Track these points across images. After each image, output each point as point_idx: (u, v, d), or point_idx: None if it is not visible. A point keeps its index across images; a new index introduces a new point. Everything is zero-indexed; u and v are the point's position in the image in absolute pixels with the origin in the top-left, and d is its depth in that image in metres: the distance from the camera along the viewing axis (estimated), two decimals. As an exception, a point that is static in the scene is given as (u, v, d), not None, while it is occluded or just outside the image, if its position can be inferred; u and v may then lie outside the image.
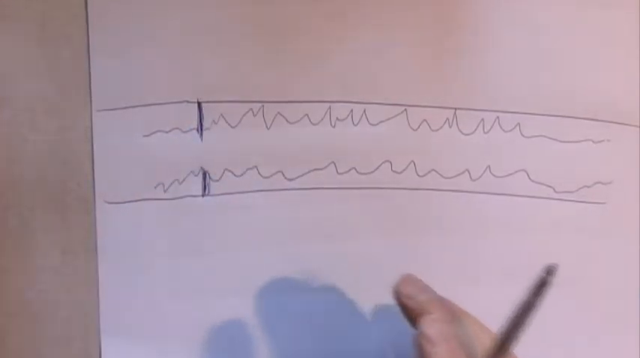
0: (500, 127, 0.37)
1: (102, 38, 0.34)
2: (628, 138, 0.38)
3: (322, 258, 0.36)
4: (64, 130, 0.35)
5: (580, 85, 0.37)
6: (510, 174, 0.37)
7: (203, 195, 0.35)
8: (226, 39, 0.35)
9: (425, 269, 0.37)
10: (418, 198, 0.36)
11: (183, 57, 0.35)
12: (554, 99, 0.37)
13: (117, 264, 0.35)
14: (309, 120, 0.36)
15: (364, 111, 0.36)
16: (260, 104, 0.35)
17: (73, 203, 0.35)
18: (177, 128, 0.35)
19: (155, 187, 0.35)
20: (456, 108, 0.36)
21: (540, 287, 0.26)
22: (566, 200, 0.37)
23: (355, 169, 0.36)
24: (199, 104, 0.35)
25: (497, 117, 0.37)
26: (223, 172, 0.35)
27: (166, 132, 0.35)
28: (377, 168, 0.36)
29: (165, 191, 0.35)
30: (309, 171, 0.36)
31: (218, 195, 0.35)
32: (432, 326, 0.27)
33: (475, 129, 0.37)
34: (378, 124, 0.36)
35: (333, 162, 0.36)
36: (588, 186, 0.37)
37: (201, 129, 0.35)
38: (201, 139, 0.35)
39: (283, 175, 0.36)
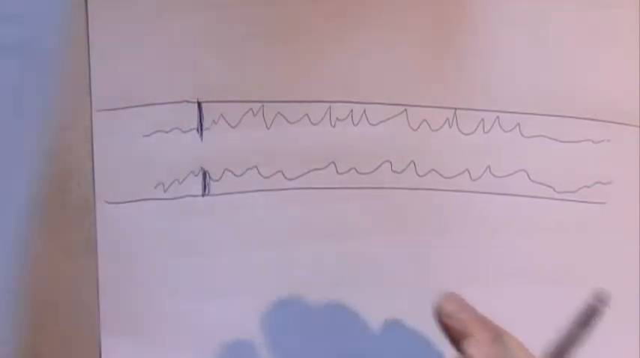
0: (501, 127, 0.37)
1: (102, 38, 0.34)
2: (628, 138, 0.38)
3: (322, 258, 0.36)
4: (64, 130, 0.35)
5: (580, 85, 0.37)
6: (510, 174, 0.37)
7: (203, 195, 0.35)
8: (226, 39, 0.35)
9: (424, 270, 0.37)
10: (418, 198, 0.36)
11: (183, 57, 0.35)
12: (554, 99, 0.37)
13: (117, 264, 0.35)
14: (309, 120, 0.36)
15: (364, 111, 0.36)
16: (260, 104, 0.35)
17: (73, 203, 0.35)
18: (177, 128, 0.35)
19: (155, 187, 0.35)
20: (456, 108, 0.36)
21: (590, 317, 0.25)
22: (566, 200, 0.37)
23: (355, 169, 0.36)
24: (199, 104, 0.35)
25: (497, 117, 0.37)
26: (223, 172, 0.35)
27: (166, 132, 0.35)
28: (377, 168, 0.36)
29: (165, 191, 0.35)
30: (309, 171, 0.36)
31: (218, 195, 0.35)
32: (477, 348, 0.27)
33: (475, 129, 0.37)
34: (378, 124, 0.36)
35: (333, 162, 0.36)
36: (588, 186, 0.37)
37: (201, 129, 0.35)
38: (201, 139, 0.35)
39: (283, 175, 0.36)
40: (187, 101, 0.35)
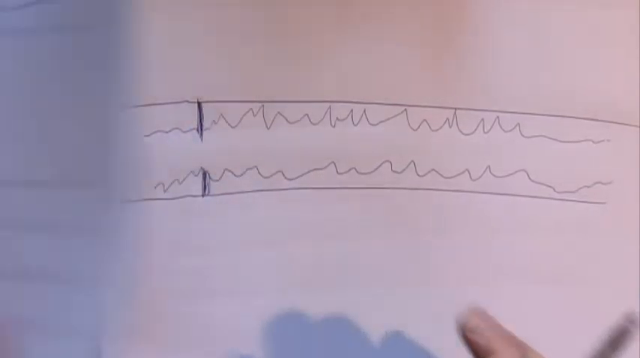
0: (501, 127, 0.37)
1: None
2: (628, 138, 0.38)
3: (322, 258, 0.36)
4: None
5: (580, 85, 0.37)
6: (510, 174, 0.37)
7: (203, 195, 0.35)
8: (226, 39, 0.35)
9: (424, 269, 0.37)
10: (418, 198, 0.36)
11: (182, 57, 0.35)
12: (554, 99, 0.37)
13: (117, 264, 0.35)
14: (309, 120, 0.36)
15: (364, 111, 0.36)
16: (260, 104, 0.35)
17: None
18: (177, 128, 0.35)
19: (155, 187, 0.35)
20: (456, 108, 0.36)
21: (620, 338, 0.24)
22: (566, 200, 0.37)
23: (355, 169, 0.36)
24: (199, 104, 0.35)
25: (497, 117, 0.37)
26: (223, 172, 0.35)
27: (166, 132, 0.35)
28: (377, 168, 0.36)
29: (165, 191, 0.35)
30: (309, 171, 0.36)
31: (218, 195, 0.35)
32: None
33: (475, 129, 0.37)
34: (378, 124, 0.36)
35: (333, 162, 0.36)
36: (588, 186, 0.37)
37: (201, 129, 0.35)
38: (201, 139, 0.35)
39: (283, 175, 0.36)
40: (187, 101, 0.35)
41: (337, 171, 0.36)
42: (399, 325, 0.36)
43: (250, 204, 0.35)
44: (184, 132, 0.35)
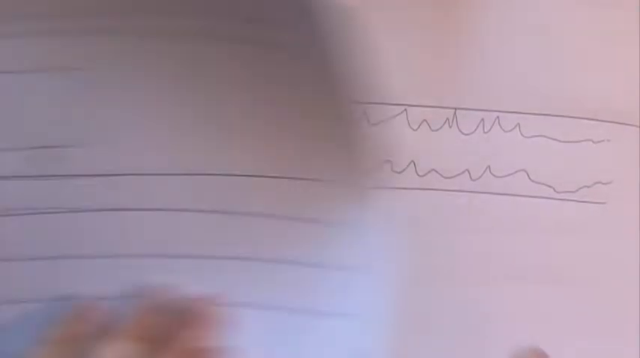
0: (500, 127, 0.37)
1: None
2: (628, 138, 0.38)
3: None
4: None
5: (580, 85, 0.37)
6: (510, 174, 0.37)
7: None
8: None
9: (424, 269, 0.37)
10: (418, 198, 0.36)
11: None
12: (554, 99, 0.37)
13: None
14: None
15: (364, 111, 0.36)
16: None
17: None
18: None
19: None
20: (456, 108, 0.36)
21: None
22: (566, 200, 0.37)
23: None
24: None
25: (497, 117, 0.37)
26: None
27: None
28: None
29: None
30: None
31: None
32: None
33: (475, 129, 0.37)
34: (378, 124, 0.36)
35: None
36: (588, 186, 0.37)
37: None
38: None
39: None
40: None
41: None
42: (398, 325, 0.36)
43: None
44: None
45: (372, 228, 0.34)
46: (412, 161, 0.36)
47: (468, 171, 0.37)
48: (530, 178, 0.37)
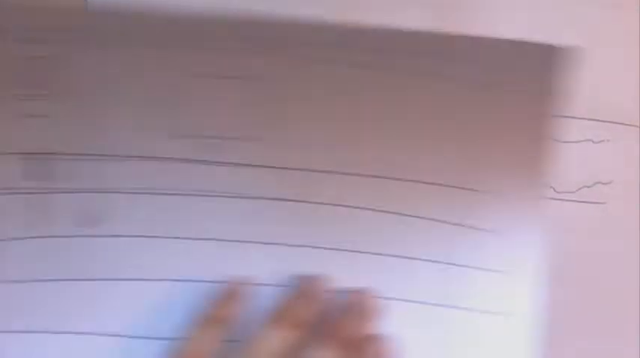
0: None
1: None
2: (628, 138, 0.38)
3: None
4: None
5: (580, 85, 0.37)
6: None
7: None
8: None
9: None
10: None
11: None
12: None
13: None
14: None
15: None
16: None
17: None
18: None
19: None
20: None
21: None
22: (566, 200, 0.37)
23: None
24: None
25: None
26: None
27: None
28: None
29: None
30: None
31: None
32: None
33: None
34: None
35: None
36: (588, 186, 0.37)
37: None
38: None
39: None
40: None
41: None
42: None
43: None
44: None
45: (529, 234, 0.35)
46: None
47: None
48: (530, 178, 0.37)
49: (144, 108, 0.32)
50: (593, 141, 0.37)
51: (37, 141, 0.32)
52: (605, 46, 0.37)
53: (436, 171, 0.34)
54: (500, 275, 0.35)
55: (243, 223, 0.33)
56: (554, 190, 0.37)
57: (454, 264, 0.35)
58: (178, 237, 0.33)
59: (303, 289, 0.33)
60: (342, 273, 0.33)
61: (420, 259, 0.34)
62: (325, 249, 0.34)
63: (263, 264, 0.33)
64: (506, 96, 0.34)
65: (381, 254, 0.34)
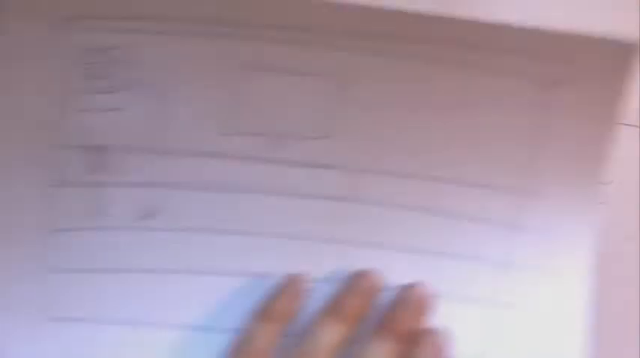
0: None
1: None
2: (628, 138, 0.38)
3: None
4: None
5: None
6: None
7: None
8: None
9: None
10: None
11: None
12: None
13: None
14: None
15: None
16: None
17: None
18: None
19: None
20: None
21: None
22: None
23: None
24: None
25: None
26: None
27: None
28: None
29: None
30: None
31: None
32: None
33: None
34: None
35: None
36: (589, 186, 0.37)
37: None
38: None
39: None
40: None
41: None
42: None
43: None
44: None
45: (579, 234, 0.36)
46: None
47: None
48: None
49: (206, 104, 0.32)
50: (593, 141, 0.37)
51: (99, 134, 0.32)
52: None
53: (491, 172, 0.34)
54: (550, 274, 0.35)
55: (302, 222, 0.34)
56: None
57: (505, 263, 0.35)
58: (238, 233, 0.33)
59: (358, 284, 0.33)
60: (397, 272, 0.34)
61: (472, 258, 0.35)
62: (384, 249, 0.34)
63: (322, 261, 0.34)
64: (572, 94, 0.34)
65: (434, 253, 0.34)
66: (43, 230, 0.32)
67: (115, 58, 0.31)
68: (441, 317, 0.33)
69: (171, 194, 0.33)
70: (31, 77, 0.31)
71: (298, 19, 0.31)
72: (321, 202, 0.33)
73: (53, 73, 0.31)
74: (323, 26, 0.32)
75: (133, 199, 0.32)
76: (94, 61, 0.31)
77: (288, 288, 0.33)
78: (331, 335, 0.31)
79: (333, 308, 0.32)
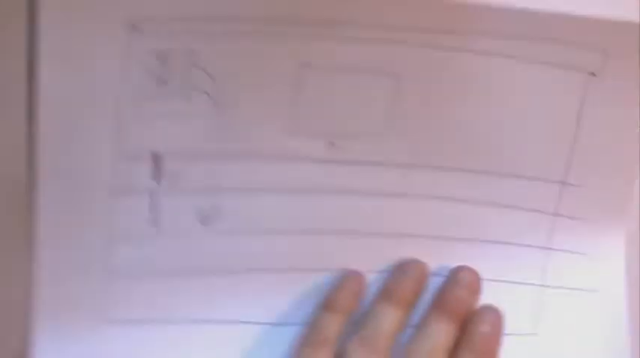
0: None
1: None
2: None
3: None
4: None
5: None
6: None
7: None
8: None
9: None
10: None
11: None
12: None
13: None
14: None
15: None
16: None
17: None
18: None
19: None
20: None
21: None
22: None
23: None
24: None
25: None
26: None
27: None
28: None
29: None
30: None
31: None
32: None
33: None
34: None
35: None
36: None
37: None
38: None
39: None
40: None
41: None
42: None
43: None
44: None
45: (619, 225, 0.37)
46: None
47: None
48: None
49: (266, 105, 0.32)
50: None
51: (161, 140, 0.31)
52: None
53: (540, 165, 0.35)
54: (595, 259, 0.37)
55: (360, 219, 0.34)
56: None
57: (550, 249, 0.36)
58: (299, 233, 0.34)
59: (409, 270, 0.34)
60: (446, 260, 0.35)
61: (517, 244, 0.36)
62: (436, 240, 0.35)
63: (380, 254, 0.35)
64: (611, 83, 0.34)
65: (480, 240, 0.36)
66: (103, 236, 0.32)
67: (176, 62, 0.30)
68: (488, 298, 0.34)
69: (231, 197, 0.33)
70: (100, 80, 0.29)
71: (356, 15, 0.31)
72: (379, 199, 0.34)
73: (122, 77, 0.30)
74: (379, 23, 0.31)
75: (194, 204, 0.32)
76: (155, 65, 0.30)
77: (350, 281, 0.34)
78: (390, 319, 0.33)
79: (389, 294, 0.34)
